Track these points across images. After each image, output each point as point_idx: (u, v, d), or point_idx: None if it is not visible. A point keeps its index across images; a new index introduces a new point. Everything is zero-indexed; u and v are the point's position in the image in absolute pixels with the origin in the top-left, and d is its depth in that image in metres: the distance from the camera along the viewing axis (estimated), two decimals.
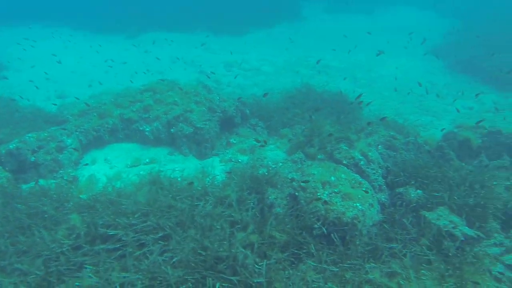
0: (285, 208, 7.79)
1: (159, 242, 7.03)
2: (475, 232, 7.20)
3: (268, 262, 6.55)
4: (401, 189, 8.45)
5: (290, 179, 8.30)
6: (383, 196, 8.50)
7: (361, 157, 9.12)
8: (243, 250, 6.66)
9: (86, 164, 11.18)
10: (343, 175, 8.10)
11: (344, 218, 7.05)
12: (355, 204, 7.29)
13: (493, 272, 6.44)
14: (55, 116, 13.33)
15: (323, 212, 7.21)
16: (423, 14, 34.53)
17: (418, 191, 8.29)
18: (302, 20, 32.26)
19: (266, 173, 8.70)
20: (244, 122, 13.09)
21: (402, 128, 11.86)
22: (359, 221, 7.08)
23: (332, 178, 7.93)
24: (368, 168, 8.94)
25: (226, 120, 12.51)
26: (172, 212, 7.66)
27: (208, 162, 11.21)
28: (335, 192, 7.55)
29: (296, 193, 7.87)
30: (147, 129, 11.90)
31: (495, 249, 7.11)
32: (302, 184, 7.95)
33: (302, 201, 7.65)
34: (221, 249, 6.66)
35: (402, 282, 5.36)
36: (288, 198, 7.99)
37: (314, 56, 23.08)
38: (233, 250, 6.58)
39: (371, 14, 34.05)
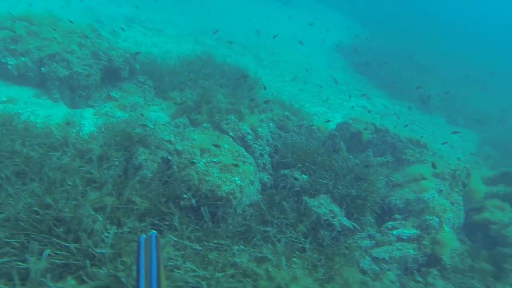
0: (154, 173, 6.73)
1: None
2: (352, 223, 6.80)
3: (120, 230, 5.48)
4: (286, 171, 7.83)
5: (167, 141, 7.25)
6: (266, 176, 7.81)
7: (249, 131, 8.36)
8: (93, 212, 5.52)
9: None
10: (226, 145, 7.24)
11: (219, 192, 6.18)
12: (234, 178, 6.46)
13: (360, 265, 6.09)
14: None
15: (196, 182, 6.28)
16: (335, 14, 35.16)
17: (304, 175, 7.73)
18: None
19: (141, 132, 7.55)
20: (131, 77, 11.66)
21: (297, 112, 11.36)
22: (235, 198, 6.26)
23: (214, 147, 7.03)
24: (255, 143, 8.20)
25: (111, 71, 11.00)
26: (15, 159, 6.23)
27: (79, 112, 9.70)
28: (214, 162, 6.66)
29: (170, 157, 6.85)
30: (11, 62, 9.97)
31: (366, 241, 6.79)
32: (178, 147, 6.94)
33: (174, 167, 6.65)
34: (65, 209, 5.44)
35: (271, 269, 4.64)
36: (160, 161, 6.94)
37: (225, 32, 22.17)
38: (80, 212, 5.40)
39: (288, 6, 33.80)
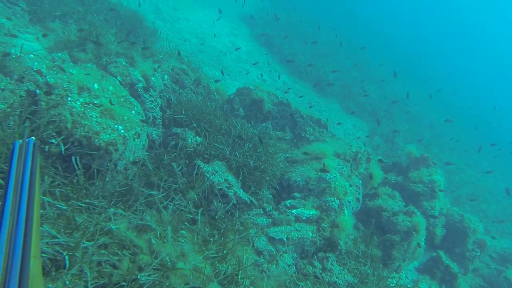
0: (14, 108, 5.27)
1: None
2: (249, 197, 6.05)
3: None
4: (178, 130, 6.82)
5: (35, 70, 5.80)
6: (155, 132, 6.73)
7: (140, 79, 7.17)
8: None
9: None
10: (111, 87, 5.99)
11: (97, 140, 4.99)
12: (116, 126, 5.29)
13: (255, 244, 5.34)
14: None
15: (68, 124, 5.01)
16: None
17: (198, 137, 6.80)
18: None
19: None
20: None
21: (195, 71, 10.30)
22: (116, 150, 5.13)
23: (96, 85, 5.75)
24: (146, 94, 7.05)
25: None
26: None
27: None
28: (94, 104, 5.41)
29: (37, 91, 5.45)
30: None
31: (262, 219, 6.08)
32: (49, 80, 5.56)
33: (42, 103, 5.28)
34: None
35: (154, 241, 3.65)
36: (24, 95, 5.50)
37: None
38: None
39: None
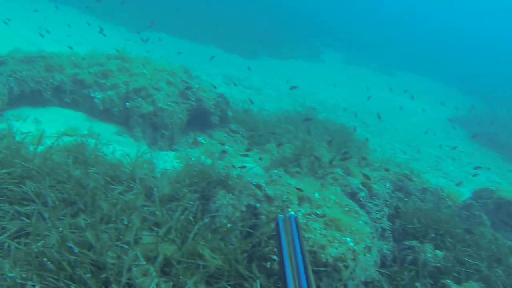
0: (235, 223, 4.95)
1: (22, 218, 4.26)
2: None
3: None
4: (413, 242, 5.66)
5: (254, 185, 5.53)
6: (385, 245, 5.68)
7: (361, 187, 6.40)
8: (144, 262, 3.88)
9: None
10: (332, 196, 5.32)
11: (323, 255, 4.22)
12: (344, 239, 4.48)
13: None
14: None
15: None
16: (437, 85, 32.74)
17: (438, 251, 5.51)
18: (319, 62, 30.29)
19: (224, 175, 5.91)
20: (222, 125, 10.39)
21: (417, 176, 9.15)
22: (346, 266, 4.25)
23: (316, 195, 5.16)
24: (369, 202, 6.19)
25: (200, 115, 9.82)
26: (66, 185, 4.92)
27: (160, 155, 8.44)
28: (316, 214, 4.76)
29: (258, 204, 5.09)
30: (98, 96, 9.17)
31: None
32: (268, 192, 5.18)
33: (262, 216, 4.86)
34: (109, 253, 3.87)
35: None
36: (245, 209, 5.19)
37: (323, 93, 20.89)
38: (125, 258, 3.79)
39: (393, 76, 32.04)
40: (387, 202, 6.48)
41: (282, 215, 2.59)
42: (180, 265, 3.98)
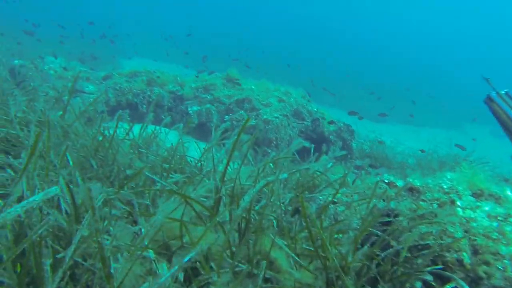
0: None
1: None
2: None
3: None
4: None
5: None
6: None
7: None
8: None
9: None
10: None
11: None
12: None
13: None
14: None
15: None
16: None
17: None
18: (461, 133, 26.85)
19: None
20: (344, 158, 8.27)
21: None
22: None
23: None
24: None
25: (314, 138, 7.84)
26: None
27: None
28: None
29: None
30: (194, 108, 7.75)
31: None
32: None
33: (401, 218, 2.61)
34: None
35: None
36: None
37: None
38: None
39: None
40: None
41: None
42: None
